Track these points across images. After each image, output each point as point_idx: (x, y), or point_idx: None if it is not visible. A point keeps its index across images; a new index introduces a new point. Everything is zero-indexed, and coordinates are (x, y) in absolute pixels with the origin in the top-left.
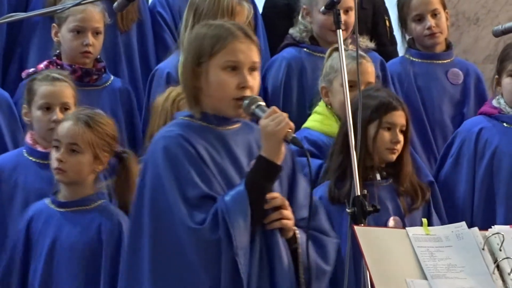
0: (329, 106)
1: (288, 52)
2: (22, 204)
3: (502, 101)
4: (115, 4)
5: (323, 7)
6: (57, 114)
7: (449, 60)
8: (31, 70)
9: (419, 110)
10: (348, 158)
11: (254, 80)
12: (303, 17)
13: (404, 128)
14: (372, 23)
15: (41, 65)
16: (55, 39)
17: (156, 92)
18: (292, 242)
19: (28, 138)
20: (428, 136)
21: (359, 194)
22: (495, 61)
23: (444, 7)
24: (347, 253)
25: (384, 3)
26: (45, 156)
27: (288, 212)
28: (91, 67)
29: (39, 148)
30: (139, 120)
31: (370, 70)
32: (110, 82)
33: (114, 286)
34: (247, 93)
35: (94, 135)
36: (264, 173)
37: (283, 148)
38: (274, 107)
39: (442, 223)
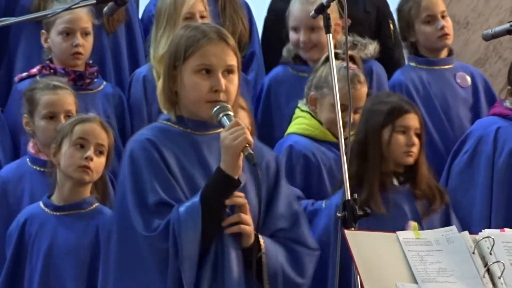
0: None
1: (274, 71)
2: None
3: None
4: (105, 8)
5: (313, 12)
6: (62, 122)
7: (452, 65)
8: (24, 74)
9: (439, 116)
10: (363, 166)
11: (230, 83)
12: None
13: (418, 131)
14: (376, 26)
15: (34, 70)
16: (45, 45)
17: (134, 95)
18: (255, 250)
19: (30, 147)
20: (452, 142)
21: (349, 198)
22: (485, 64)
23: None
24: (337, 258)
25: (388, 6)
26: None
27: (247, 217)
28: (84, 70)
29: (43, 157)
30: (130, 125)
31: (363, 94)
32: (102, 87)
33: None
34: (221, 96)
35: (110, 140)
36: (220, 185)
37: (241, 162)
38: (236, 120)
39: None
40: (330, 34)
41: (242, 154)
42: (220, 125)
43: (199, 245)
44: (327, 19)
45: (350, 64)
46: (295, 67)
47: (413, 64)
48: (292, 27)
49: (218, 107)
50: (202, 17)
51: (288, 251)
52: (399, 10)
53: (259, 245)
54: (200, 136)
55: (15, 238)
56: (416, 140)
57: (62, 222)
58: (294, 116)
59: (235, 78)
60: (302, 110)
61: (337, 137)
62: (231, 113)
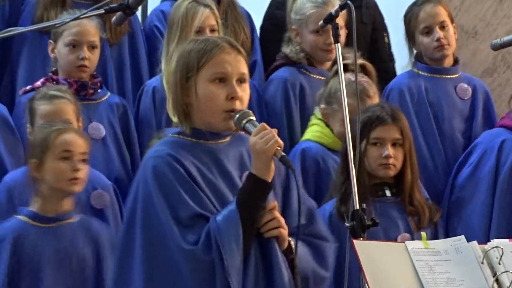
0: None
1: (285, 72)
2: None
3: None
4: (114, 18)
5: (321, 22)
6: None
7: (456, 75)
8: (28, 87)
9: (430, 124)
10: (348, 177)
11: (244, 92)
12: (293, 37)
13: (400, 142)
14: (371, 38)
15: (38, 82)
16: (51, 55)
17: (144, 107)
18: (288, 252)
19: None
20: (439, 150)
21: (358, 208)
22: (494, 74)
23: (452, 21)
24: (346, 267)
25: (383, 19)
26: None
27: (283, 221)
28: (87, 80)
29: None
30: (136, 136)
31: None
32: (107, 97)
33: None
34: (237, 104)
35: (88, 146)
36: (254, 191)
37: (273, 165)
38: (263, 124)
39: None
40: (339, 44)
41: (274, 157)
42: (245, 131)
43: (242, 252)
44: (335, 29)
45: (361, 77)
46: (309, 69)
47: (415, 70)
48: (315, 30)
49: (239, 114)
50: (212, 30)
51: (312, 248)
52: (404, 20)
53: (291, 247)
54: (214, 145)
55: (7, 258)
56: (392, 151)
57: (54, 233)
58: (310, 123)
59: (247, 87)
60: (318, 118)
61: None
62: (253, 118)
